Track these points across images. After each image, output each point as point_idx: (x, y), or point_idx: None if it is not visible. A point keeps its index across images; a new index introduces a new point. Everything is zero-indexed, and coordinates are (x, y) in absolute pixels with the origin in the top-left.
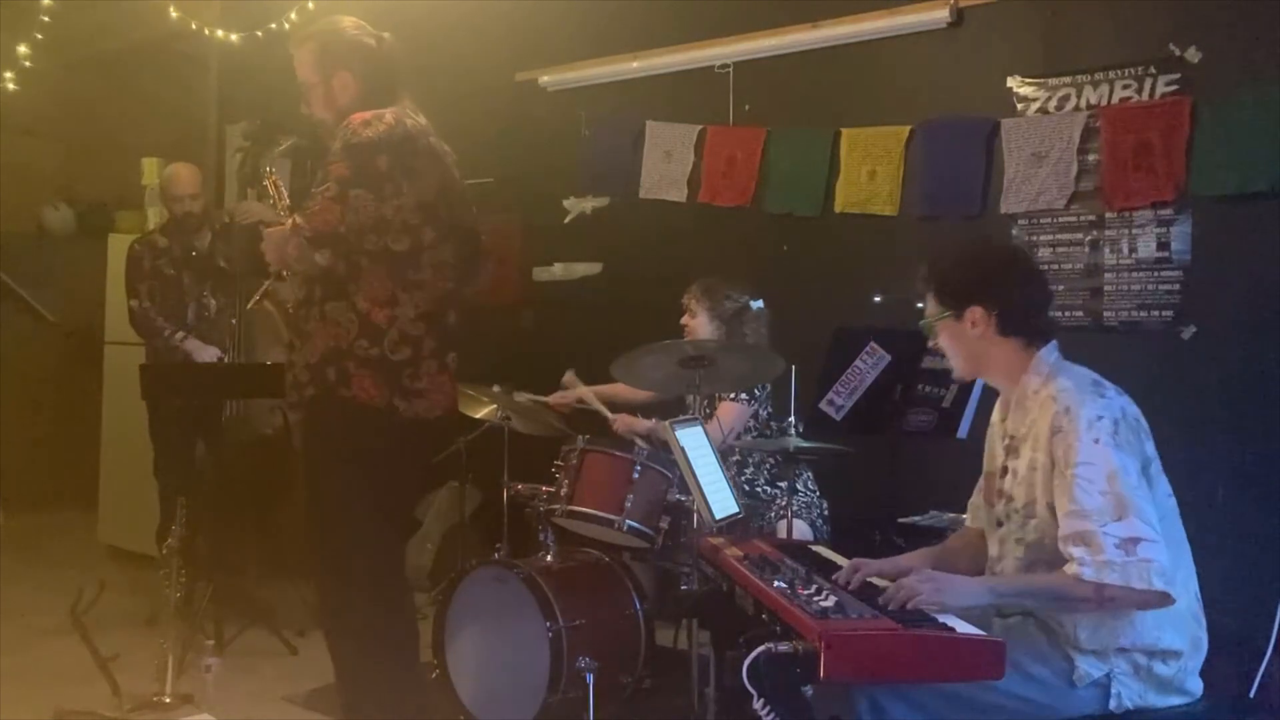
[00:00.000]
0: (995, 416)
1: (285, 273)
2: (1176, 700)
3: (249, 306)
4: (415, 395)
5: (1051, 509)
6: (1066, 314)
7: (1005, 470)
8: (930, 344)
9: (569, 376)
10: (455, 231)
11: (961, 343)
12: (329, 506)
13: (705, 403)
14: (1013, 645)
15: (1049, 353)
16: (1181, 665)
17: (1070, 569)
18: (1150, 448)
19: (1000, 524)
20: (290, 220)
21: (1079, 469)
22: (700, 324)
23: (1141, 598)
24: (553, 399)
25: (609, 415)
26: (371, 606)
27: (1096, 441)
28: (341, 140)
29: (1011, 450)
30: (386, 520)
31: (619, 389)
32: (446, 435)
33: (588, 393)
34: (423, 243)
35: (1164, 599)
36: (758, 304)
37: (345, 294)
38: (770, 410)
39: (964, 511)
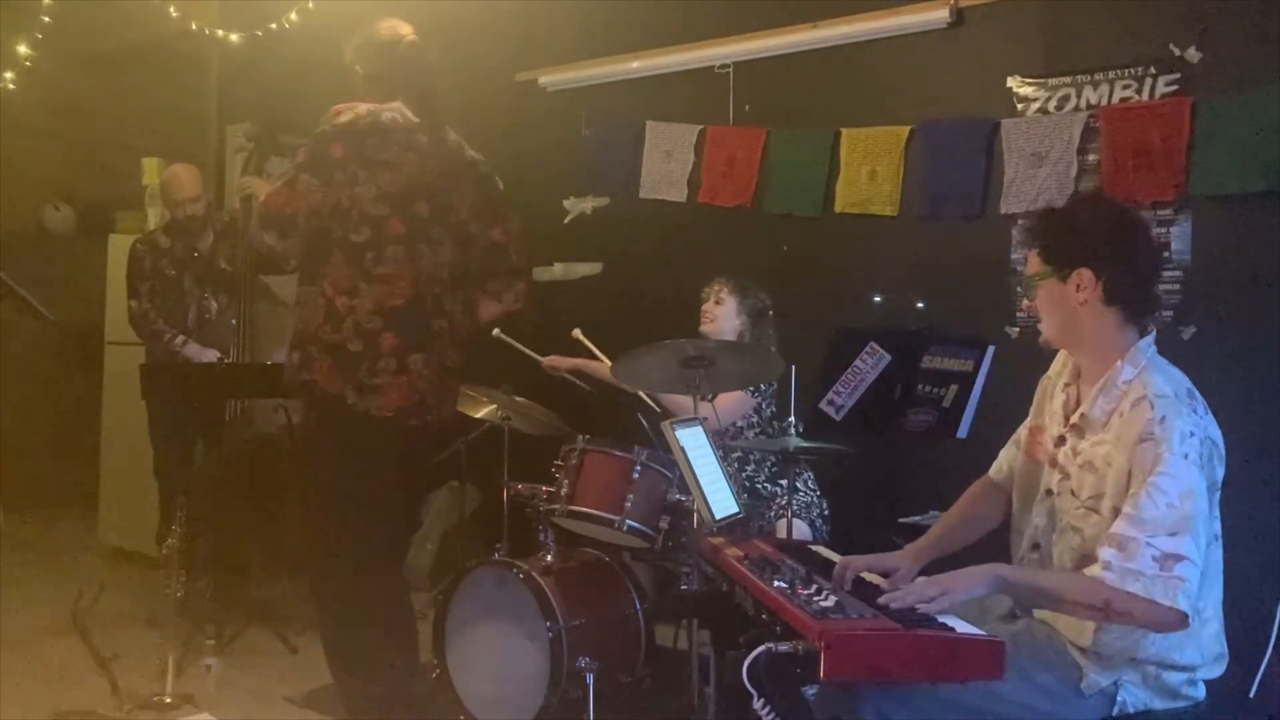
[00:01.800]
0: (1055, 370)
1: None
2: (1180, 704)
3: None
4: (370, 391)
5: (1117, 512)
6: None
7: (1063, 441)
8: (1025, 303)
9: (577, 332)
10: (433, 233)
11: (1060, 307)
12: (303, 487)
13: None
14: (1020, 652)
15: (1148, 345)
16: (1191, 676)
17: (1093, 570)
18: (1221, 473)
19: (1051, 493)
20: None
21: (1158, 478)
22: (726, 312)
23: (1156, 614)
24: (546, 362)
25: (606, 361)
26: (354, 586)
27: (1186, 457)
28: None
29: (1077, 429)
30: (352, 507)
31: (605, 367)
32: (421, 437)
33: (580, 362)
34: (385, 235)
35: (1181, 620)
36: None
37: (315, 279)
38: (774, 409)
39: None
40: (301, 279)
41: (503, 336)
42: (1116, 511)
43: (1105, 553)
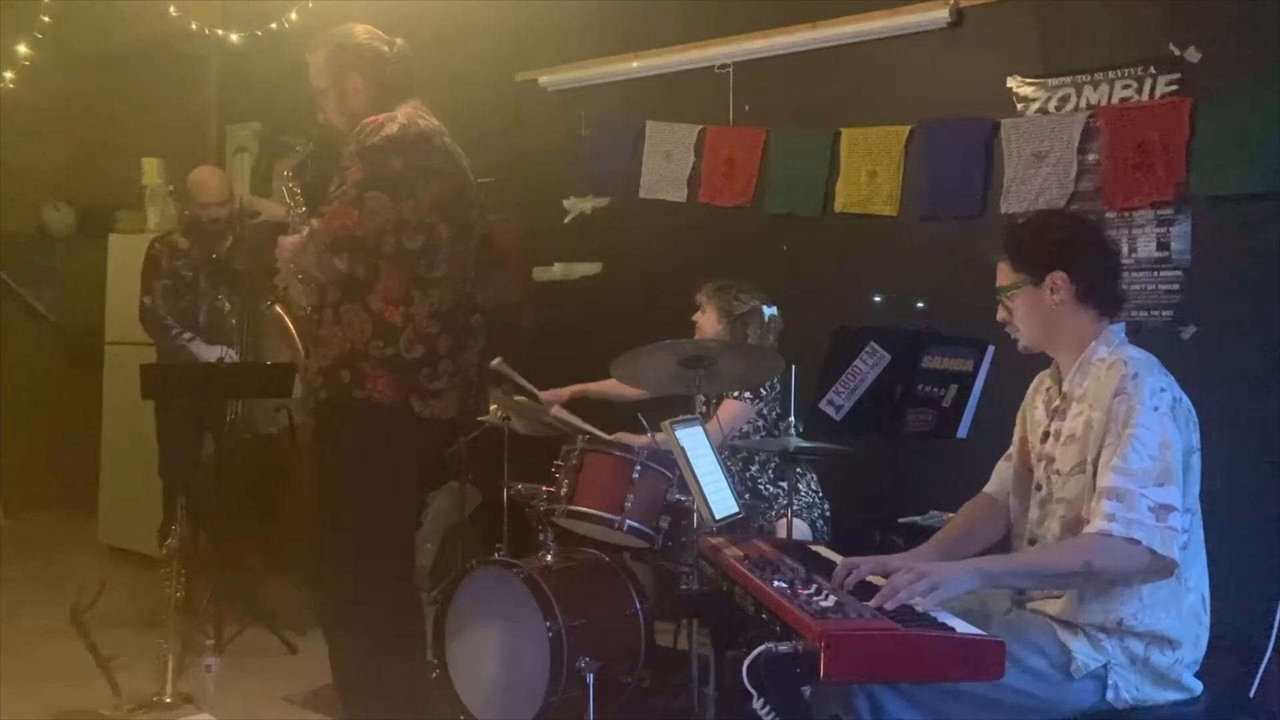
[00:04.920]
0: (1034, 387)
1: (299, 278)
2: (1174, 695)
3: (264, 309)
4: (432, 395)
5: (1097, 465)
6: None
7: (1047, 435)
8: (998, 316)
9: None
10: (471, 233)
11: (1038, 312)
12: (340, 508)
13: (716, 401)
14: (1012, 639)
15: (1119, 329)
16: (1178, 658)
17: (1096, 524)
18: (1196, 439)
19: (1040, 487)
20: (306, 226)
21: (1137, 430)
22: (709, 321)
23: (1146, 561)
24: (547, 396)
25: (605, 438)
26: (380, 608)
27: (1156, 409)
28: (355, 143)
29: (1059, 413)
30: (397, 521)
31: (610, 385)
32: (455, 435)
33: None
34: (438, 240)
35: (1172, 567)
36: (771, 310)
37: (360, 296)
38: (779, 411)
39: None
40: (338, 298)
41: (504, 369)
42: (1094, 463)
43: (1107, 505)
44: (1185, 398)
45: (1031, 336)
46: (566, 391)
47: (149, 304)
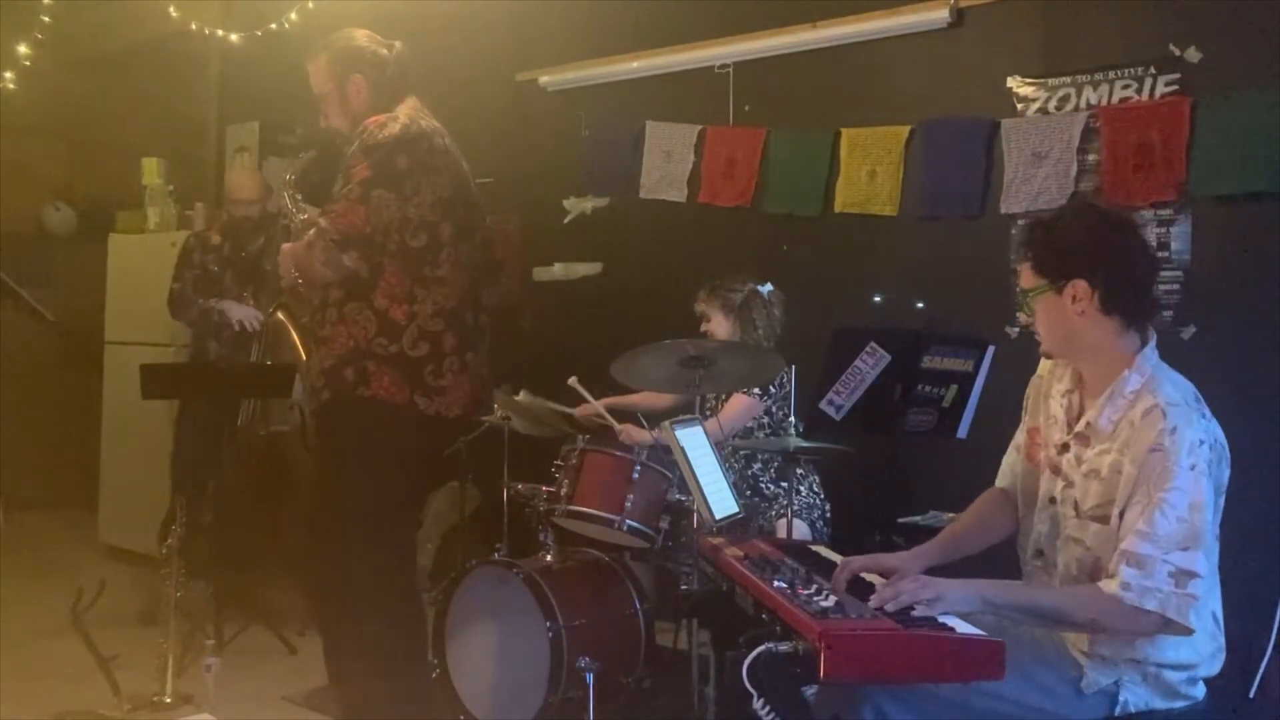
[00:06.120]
0: (1045, 370)
1: (300, 283)
2: (1180, 704)
3: (265, 317)
4: (437, 393)
5: (1123, 517)
6: None
7: (1066, 448)
8: (1020, 317)
9: (573, 381)
10: (473, 233)
11: (1059, 320)
12: (342, 506)
13: (726, 398)
14: (1020, 651)
15: (1152, 352)
16: (1192, 675)
17: (1111, 586)
18: (1227, 475)
19: (1054, 501)
20: (312, 229)
21: (1169, 494)
22: (719, 325)
23: (1159, 627)
24: (578, 411)
25: (616, 426)
26: (380, 607)
27: (1193, 468)
28: (359, 142)
29: (1082, 437)
30: (399, 518)
31: (641, 398)
32: (460, 434)
33: (601, 407)
34: (441, 239)
35: (1185, 631)
36: (766, 288)
37: (364, 294)
38: (785, 410)
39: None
40: (342, 297)
41: (578, 387)
42: (1121, 516)
43: (1125, 571)
44: (1219, 433)
45: (1052, 344)
46: (593, 409)
47: (177, 289)
